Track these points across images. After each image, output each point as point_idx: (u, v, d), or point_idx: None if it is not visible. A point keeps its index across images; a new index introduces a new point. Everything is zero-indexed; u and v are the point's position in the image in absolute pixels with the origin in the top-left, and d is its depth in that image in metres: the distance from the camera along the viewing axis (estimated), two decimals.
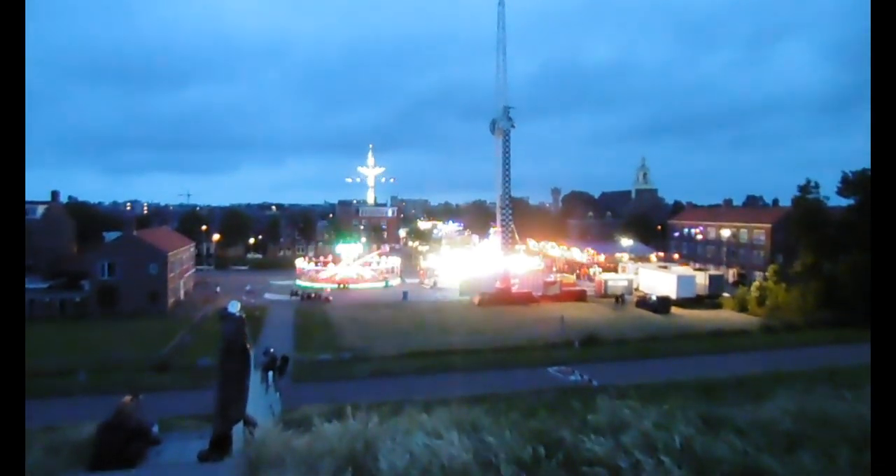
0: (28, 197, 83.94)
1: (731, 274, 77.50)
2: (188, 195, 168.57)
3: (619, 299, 62.42)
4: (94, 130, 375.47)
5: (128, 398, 9.23)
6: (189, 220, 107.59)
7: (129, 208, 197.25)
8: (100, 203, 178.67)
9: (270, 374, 16.31)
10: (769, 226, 75.18)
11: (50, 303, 56.97)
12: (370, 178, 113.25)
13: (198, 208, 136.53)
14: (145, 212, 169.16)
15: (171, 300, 60.95)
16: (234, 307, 10.03)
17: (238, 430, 8.81)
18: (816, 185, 56.89)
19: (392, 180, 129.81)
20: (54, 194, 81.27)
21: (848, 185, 53.21)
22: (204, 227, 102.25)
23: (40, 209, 74.84)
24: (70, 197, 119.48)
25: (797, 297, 52.59)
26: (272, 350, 17.15)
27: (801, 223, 56.31)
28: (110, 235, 66.22)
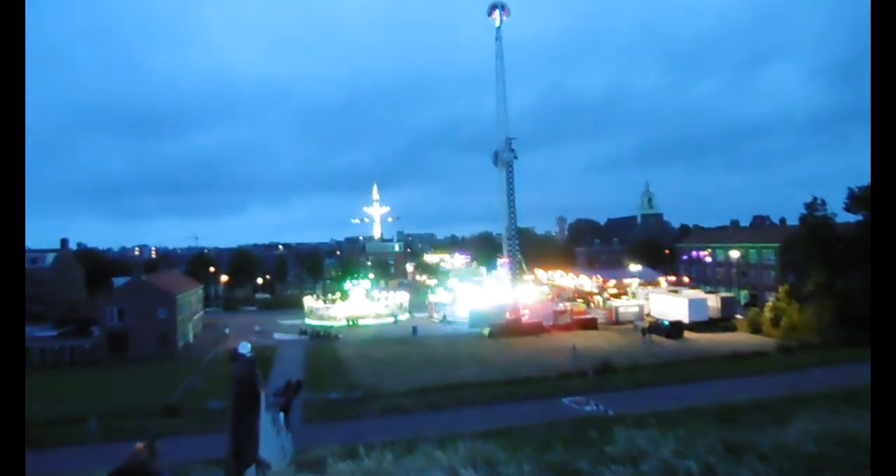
0: (38, 245, 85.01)
1: (742, 295, 76.73)
2: (196, 238, 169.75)
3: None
4: (102, 177, 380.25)
5: (140, 444, 9.06)
6: (197, 263, 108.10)
7: (137, 253, 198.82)
8: (109, 249, 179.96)
9: (281, 415, 16.11)
10: (778, 245, 74.69)
11: (60, 350, 56.88)
12: (376, 217, 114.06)
13: (205, 250, 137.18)
14: (153, 256, 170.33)
15: (180, 343, 60.77)
16: (245, 348, 9.95)
17: (251, 473, 8.68)
18: (823, 203, 56.66)
19: (398, 218, 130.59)
20: (63, 242, 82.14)
21: (855, 200, 52.95)
22: (212, 269, 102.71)
23: (50, 257, 75.50)
24: (79, 244, 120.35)
25: (812, 316, 51.89)
26: (290, 380, 16.95)
27: (811, 241, 55.86)
28: (119, 281, 66.52)
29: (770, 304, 58.10)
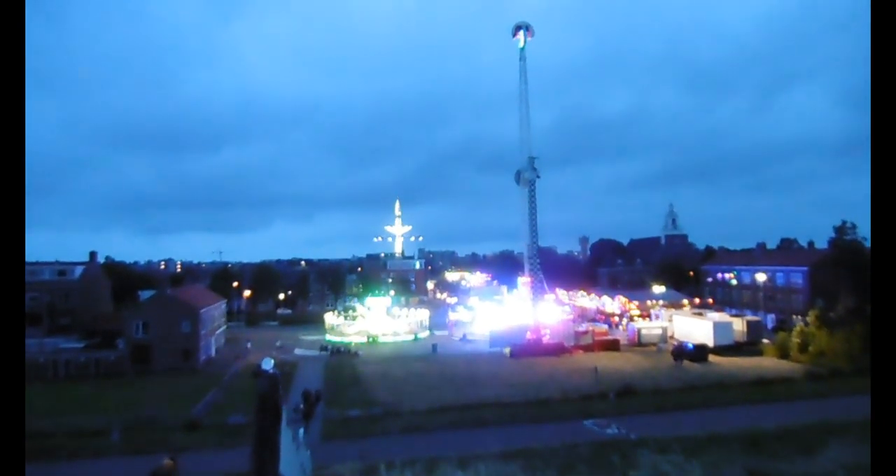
0: (67, 258, 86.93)
1: (769, 319, 75.09)
2: (220, 253, 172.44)
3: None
4: (131, 192, 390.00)
5: (167, 462, 9.18)
6: (220, 277, 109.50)
7: (163, 267, 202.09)
8: (136, 262, 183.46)
9: (301, 430, 16.20)
10: (807, 268, 73.17)
11: (86, 362, 57.73)
12: (397, 235, 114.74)
13: (229, 265, 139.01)
14: (179, 270, 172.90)
15: (202, 357, 61.30)
16: (269, 364, 10.07)
17: None
18: (854, 226, 55.84)
19: (420, 238, 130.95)
20: (92, 255, 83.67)
21: None
22: (235, 284, 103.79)
23: (79, 270, 76.95)
24: (107, 257, 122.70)
25: (842, 342, 50.51)
26: (309, 390, 17.02)
27: (841, 265, 54.75)
28: (145, 294, 67.52)
29: (798, 328, 56.75)
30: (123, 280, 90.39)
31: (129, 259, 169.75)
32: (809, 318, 56.07)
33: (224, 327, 77.13)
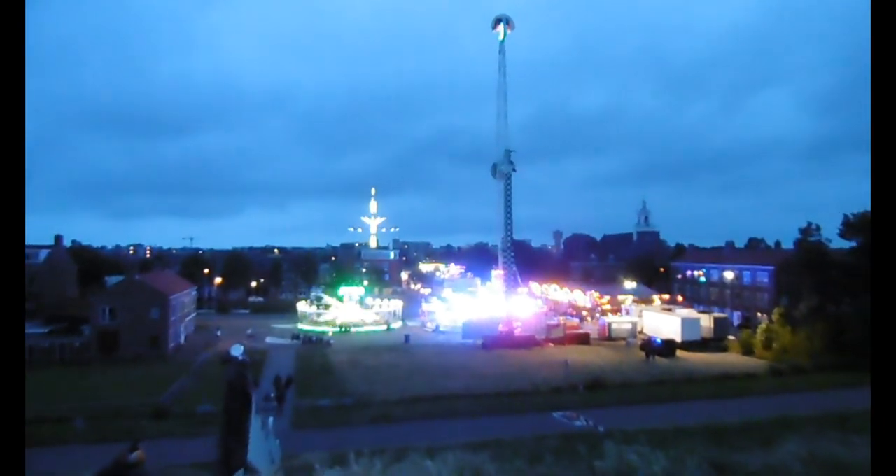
0: (31, 241, 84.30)
1: (735, 316, 76.82)
2: (191, 239, 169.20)
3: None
4: (99, 175, 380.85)
5: (131, 449, 9.10)
6: (191, 264, 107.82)
7: (132, 252, 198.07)
8: (103, 247, 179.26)
9: (271, 419, 16.14)
10: (773, 268, 74.98)
11: (49, 348, 56.43)
12: (372, 226, 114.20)
13: (200, 252, 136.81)
14: (148, 256, 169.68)
15: (171, 345, 60.39)
16: (238, 351, 9.96)
17: None
18: (818, 228, 57.07)
19: (394, 229, 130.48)
20: (57, 239, 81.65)
21: (849, 227, 53.34)
22: (206, 271, 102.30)
23: (43, 254, 75.05)
24: (73, 241, 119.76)
25: (803, 339, 51.98)
26: (280, 376, 16.96)
27: (805, 265, 56.13)
28: (112, 280, 66.17)
29: (763, 326, 58.19)
30: (90, 265, 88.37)
31: (96, 243, 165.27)
32: (774, 316, 57.53)
33: (194, 315, 76.03)
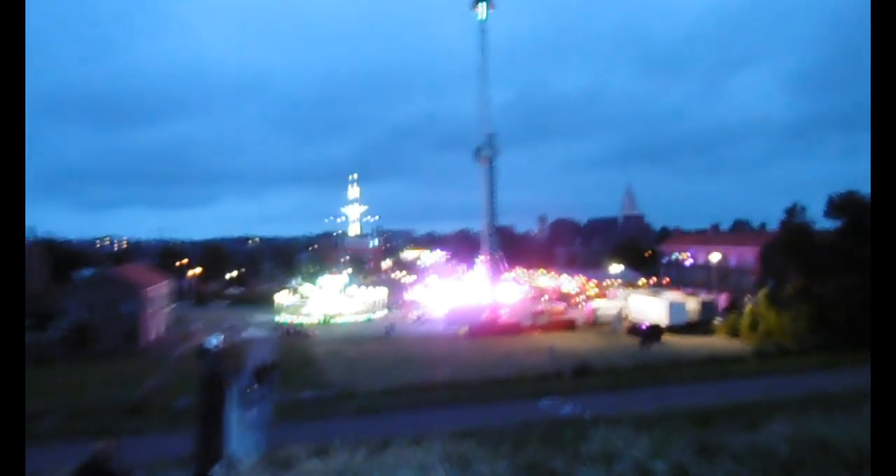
0: None
1: (721, 299, 76.83)
2: (165, 230, 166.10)
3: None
4: (67, 165, 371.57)
5: (104, 443, 8.47)
6: (166, 256, 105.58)
7: (105, 244, 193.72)
8: (73, 240, 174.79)
9: (255, 410, 15.28)
10: (758, 249, 74.94)
11: None
12: (353, 216, 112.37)
13: (175, 243, 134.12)
14: (121, 247, 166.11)
15: (146, 339, 58.85)
16: (213, 343, 9.63)
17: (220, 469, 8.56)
18: (803, 209, 56.75)
19: (376, 217, 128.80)
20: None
21: (834, 207, 53.02)
22: (181, 262, 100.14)
23: None
24: (41, 233, 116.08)
25: (789, 321, 51.80)
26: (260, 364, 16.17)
27: (790, 246, 55.89)
28: (83, 273, 64.27)
29: (748, 308, 58.03)
30: (59, 258, 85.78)
31: (66, 236, 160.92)
32: (759, 298, 57.35)
33: (170, 307, 74.23)
